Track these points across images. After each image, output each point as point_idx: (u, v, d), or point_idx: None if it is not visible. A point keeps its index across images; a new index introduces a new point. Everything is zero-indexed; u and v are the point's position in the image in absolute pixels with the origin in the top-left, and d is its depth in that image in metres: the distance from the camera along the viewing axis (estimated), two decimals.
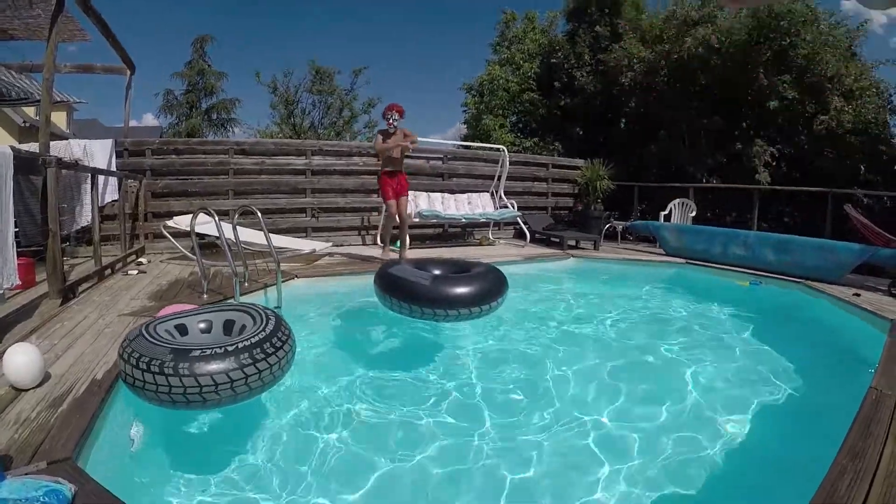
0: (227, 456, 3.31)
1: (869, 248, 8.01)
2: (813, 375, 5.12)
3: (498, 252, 10.52)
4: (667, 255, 10.76)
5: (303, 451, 3.42)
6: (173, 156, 9.98)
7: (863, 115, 12.20)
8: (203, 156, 10.20)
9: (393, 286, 5.48)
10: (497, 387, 4.72)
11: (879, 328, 5.81)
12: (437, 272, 5.93)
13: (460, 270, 5.94)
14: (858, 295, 7.21)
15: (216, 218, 5.93)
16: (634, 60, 14.97)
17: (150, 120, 34.43)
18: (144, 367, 2.98)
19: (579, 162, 14.57)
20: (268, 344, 3.31)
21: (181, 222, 7.88)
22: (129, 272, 7.39)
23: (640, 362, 5.51)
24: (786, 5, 12.31)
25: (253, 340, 3.28)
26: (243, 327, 3.72)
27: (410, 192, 10.55)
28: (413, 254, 9.55)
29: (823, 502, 2.46)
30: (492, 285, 5.48)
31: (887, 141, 12.91)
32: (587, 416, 4.14)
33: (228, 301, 5.69)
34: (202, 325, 3.83)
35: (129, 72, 10.37)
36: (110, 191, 8.83)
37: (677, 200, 12.35)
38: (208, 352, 3.07)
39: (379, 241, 8.84)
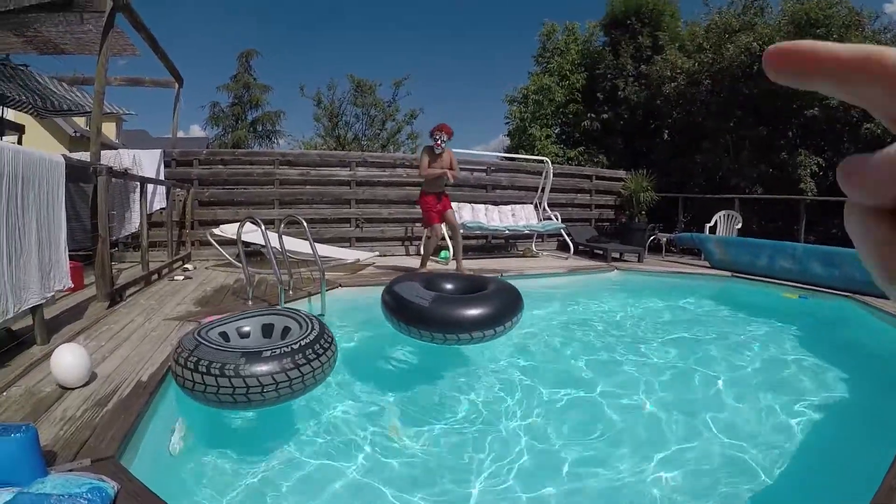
0: (267, 457, 3.34)
1: None
2: (861, 392, 4.99)
3: (541, 264, 10.45)
4: (712, 267, 10.58)
5: (341, 457, 3.42)
6: (220, 166, 10.13)
7: None
8: (249, 166, 10.33)
9: (394, 305, 5.26)
10: (538, 403, 4.64)
11: None
12: (446, 289, 5.78)
13: (474, 289, 5.66)
14: None
15: (262, 226, 5.96)
16: (677, 71, 14.83)
17: (196, 131, 35.09)
18: (204, 371, 3.12)
19: (622, 174, 14.49)
20: (315, 348, 3.45)
21: (227, 230, 7.98)
22: (176, 278, 7.49)
23: (686, 375, 5.39)
24: (825, 11, 12.12)
25: (301, 343, 3.42)
26: (287, 330, 3.87)
27: (454, 203, 10.55)
28: (454, 265, 9.55)
29: None
30: (499, 308, 5.13)
31: None
32: (634, 429, 4.11)
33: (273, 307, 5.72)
34: (247, 329, 3.96)
35: (177, 85, 10.57)
36: (158, 199, 8.99)
37: (722, 212, 12.15)
38: (267, 353, 3.27)
39: (420, 262, 8.66)
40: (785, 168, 12.93)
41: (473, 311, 4.97)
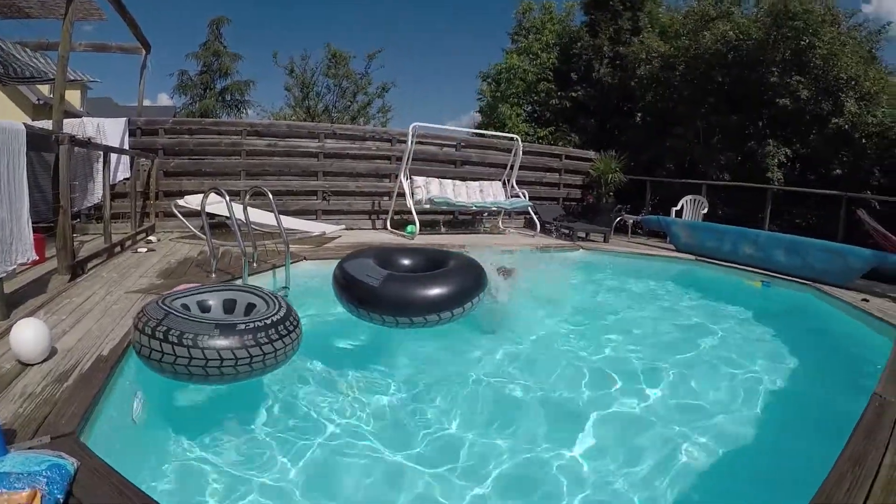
0: (225, 432, 3.39)
1: (880, 254, 7.95)
2: (817, 380, 5.17)
3: (507, 241, 10.52)
4: (677, 250, 10.72)
5: (299, 432, 3.48)
6: (186, 136, 10.01)
7: (879, 118, 12.11)
8: (216, 136, 10.23)
9: (344, 284, 4.97)
10: (498, 378, 4.70)
11: (886, 335, 5.77)
12: (402, 266, 5.51)
13: (433, 266, 5.35)
14: (867, 300, 7.14)
15: (227, 198, 5.92)
16: (653, 54, 15.01)
17: (164, 100, 34.41)
18: (175, 341, 3.10)
19: (592, 154, 14.64)
20: (284, 325, 3.48)
21: (192, 202, 7.92)
22: (139, 250, 7.43)
23: (643, 356, 5.50)
24: (803, 5, 12.23)
25: (273, 320, 3.44)
26: (251, 306, 3.88)
27: (421, 178, 10.58)
28: (421, 240, 9.59)
29: None
30: (457, 288, 4.83)
31: None
32: (583, 407, 4.25)
33: (237, 281, 5.68)
34: (210, 303, 3.94)
35: (144, 51, 10.40)
36: (122, 169, 8.86)
37: (689, 197, 12.32)
38: (242, 326, 3.28)
39: None
40: (753, 157, 13.15)
41: (428, 292, 4.71)
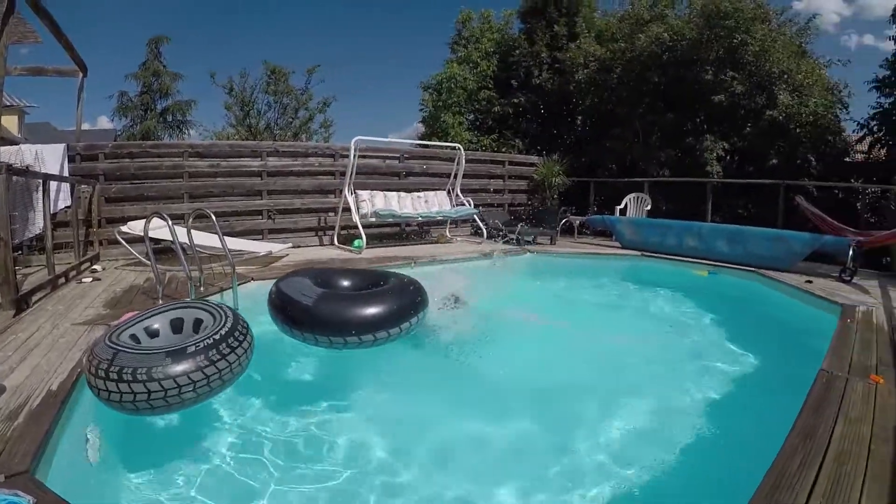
0: (182, 460, 3.40)
1: (819, 237, 8.34)
2: (767, 360, 5.44)
3: (455, 249, 10.65)
4: (623, 247, 11.01)
5: (255, 456, 3.49)
6: (127, 160, 9.86)
7: (812, 109, 12.58)
8: (157, 159, 10.09)
9: (278, 304, 4.87)
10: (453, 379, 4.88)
11: (831, 313, 6.08)
12: (340, 285, 5.44)
13: (371, 285, 5.28)
14: (811, 282, 7.51)
15: (170, 222, 5.91)
16: (590, 59, 15.42)
17: (104, 123, 33.70)
18: (130, 379, 3.10)
19: (535, 159, 14.88)
20: (231, 338, 3.52)
21: (135, 227, 7.85)
22: (84, 280, 7.32)
23: (597, 350, 5.70)
24: (734, 4, 12.63)
25: (222, 333, 3.49)
26: (199, 322, 3.89)
27: (366, 192, 10.65)
28: (369, 253, 9.65)
29: (774, 482, 2.60)
30: (394, 307, 4.72)
31: (836, 134, 13.40)
32: (545, 404, 4.42)
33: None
34: (155, 327, 3.91)
35: (81, 74, 10.25)
36: (63, 197, 8.70)
37: (632, 195, 12.64)
38: (192, 348, 3.30)
39: None
40: (692, 152, 13.55)
41: (363, 311, 4.61)
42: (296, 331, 4.70)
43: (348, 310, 4.60)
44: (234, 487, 3.19)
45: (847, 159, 14.19)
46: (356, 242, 10.28)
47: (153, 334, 3.84)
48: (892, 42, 13.15)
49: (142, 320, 3.88)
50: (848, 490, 2.57)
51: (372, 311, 4.61)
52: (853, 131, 14.27)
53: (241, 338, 3.56)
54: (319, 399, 4.44)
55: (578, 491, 3.27)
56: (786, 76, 12.82)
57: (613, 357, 5.55)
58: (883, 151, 13.78)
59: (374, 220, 10.62)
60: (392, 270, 5.89)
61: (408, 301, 4.90)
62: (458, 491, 3.24)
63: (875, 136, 13.86)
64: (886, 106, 13.55)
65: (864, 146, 14.40)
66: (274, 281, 5.31)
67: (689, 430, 4.02)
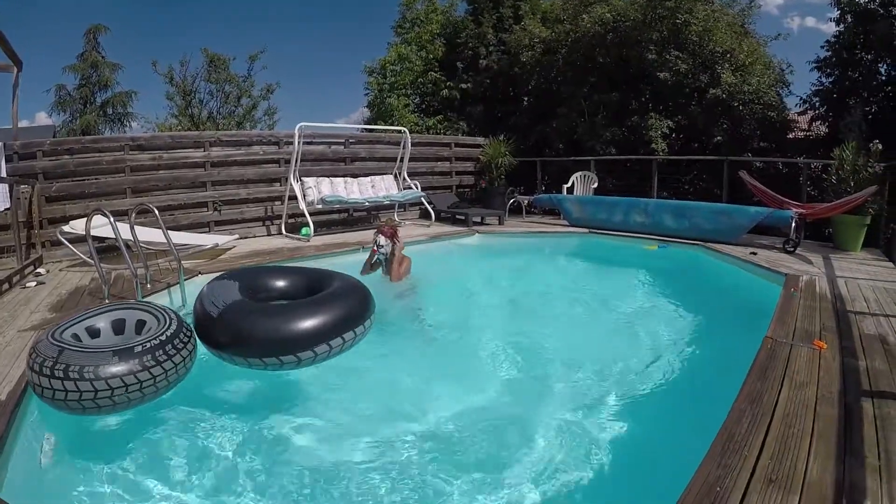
0: (136, 462, 3.36)
1: (763, 210, 8.67)
2: (714, 329, 5.66)
3: (404, 233, 10.60)
4: (570, 225, 11.21)
5: (206, 457, 3.46)
6: (66, 156, 9.63)
7: (755, 87, 13.00)
8: (97, 154, 9.89)
9: (195, 314, 4.23)
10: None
11: (775, 282, 6.37)
12: (273, 290, 4.79)
13: (311, 290, 4.60)
14: (755, 253, 7.84)
15: (111, 219, 5.86)
16: (535, 40, 15.65)
17: (43, 119, 32.68)
18: (76, 376, 3.07)
19: (481, 140, 14.97)
20: (177, 339, 3.53)
21: (78, 227, 7.72)
22: (28, 285, 7.15)
23: (548, 327, 5.90)
24: None
25: (167, 335, 3.49)
26: (142, 323, 3.86)
27: (312, 179, 10.63)
28: (318, 240, 9.67)
29: (723, 445, 2.76)
30: (327, 320, 3.96)
31: (779, 111, 13.84)
32: (501, 380, 4.63)
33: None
34: (97, 326, 3.85)
35: (15, 69, 9.99)
36: (1, 199, 8.54)
37: (579, 173, 12.83)
38: (139, 347, 3.29)
39: None
40: (638, 130, 13.85)
41: (280, 326, 3.87)
42: (206, 346, 4.08)
43: (263, 324, 3.89)
44: (185, 487, 3.17)
45: (790, 136, 14.66)
46: (304, 230, 10.29)
47: (94, 334, 3.78)
48: (833, 24, 13.70)
49: (83, 319, 3.83)
50: (796, 450, 2.74)
51: (293, 326, 3.87)
52: (795, 106, 14.79)
53: (184, 340, 3.58)
54: (272, 395, 4.41)
55: (531, 459, 3.42)
56: (729, 55, 13.17)
57: (564, 332, 5.73)
58: (824, 128, 14.29)
59: (321, 207, 10.66)
60: (339, 273, 5.02)
61: (347, 312, 4.15)
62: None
63: (816, 112, 14.37)
64: (828, 85, 14.08)
65: (806, 124, 14.91)
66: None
67: (639, 397, 4.24)
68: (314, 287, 4.64)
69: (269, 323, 3.86)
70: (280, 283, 4.90)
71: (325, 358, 3.99)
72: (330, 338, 3.93)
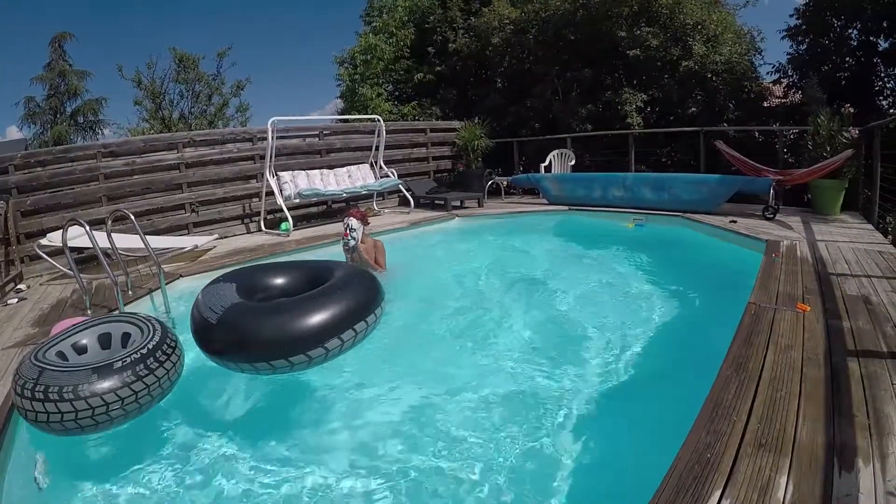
0: (134, 483, 3.27)
1: (740, 178, 8.76)
2: (697, 298, 5.74)
3: (383, 221, 10.68)
4: (550, 204, 11.25)
5: (202, 468, 3.39)
6: (39, 168, 9.49)
7: (727, 57, 13.08)
8: (70, 164, 9.74)
9: (192, 319, 3.99)
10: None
11: (756, 249, 6.45)
12: (273, 287, 4.50)
13: (313, 284, 4.22)
14: (735, 221, 7.92)
15: (87, 227, 5.79)
16: (505, 21, 15.61)
17: (13, 133, 32.20)
18: (56, 398, 3.01)
19: (456, 124, 14.91)
20: (159, 352, 3.45)
21: (56, 239, 7.62)
22: (9, 302, 7.03)
23: (533, 306, 5.96)
24: None
25: (145, 350, 3.40)
26: (127, 336, 3.78)
27: (287, 173, 10.58)
28: (298, 235, 9.64)
29: (712, 412, 2.79)
30: (329, 319, 3.66)
31: (752, 80, 13.96)
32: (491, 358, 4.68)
33: (114, 313, 5.52)
34: (83, 342, 3.79)
35: None
36: None
37: (556, 151, 12.85)
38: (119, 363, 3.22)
39: None
40: (612, 106, 13.88)
41: (286, 324, 3.64)
42: (206, 354, 3.94)
43: (266, 326, 3.65)
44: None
45: (765, 104, 14.76)
46: (283, 226, 10.25)
47: (81, 350, 3.71)
48: None
49: (69, 336, 3.76)
50: (784, 412, 2.78)
51: (302, 324, 3.63)
52: (768, 73, 14.96)
53: (168, 351, 3.49)
54: (261, 406, 4.36)
55: (521, 430, 3.49)
56: (699, 26, 13.23)
57: (552, 309, 5.77)
58: (798, 95, 14.38)
59: (298, 200, 10.62)
60: (339, 262, 5.01)
61: (356, 304, 3.90)
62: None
63: (790, 79, 14.55)
64: (801, 52, 14.25)
65: (781, 92, 15.06)
66: (206, 274, 5.14)
67: (628, 367, 4.29)
68: (315, 280, 4.33)
69: (273, 322, 3.63)
70: (279, 281, 4.60)
71: (338, 354, 3.76)
72: (341, 331, 3.69)
